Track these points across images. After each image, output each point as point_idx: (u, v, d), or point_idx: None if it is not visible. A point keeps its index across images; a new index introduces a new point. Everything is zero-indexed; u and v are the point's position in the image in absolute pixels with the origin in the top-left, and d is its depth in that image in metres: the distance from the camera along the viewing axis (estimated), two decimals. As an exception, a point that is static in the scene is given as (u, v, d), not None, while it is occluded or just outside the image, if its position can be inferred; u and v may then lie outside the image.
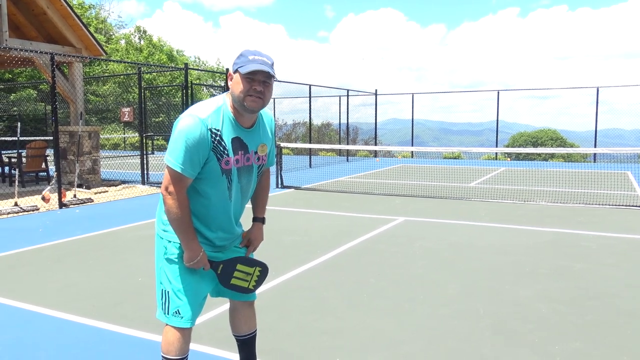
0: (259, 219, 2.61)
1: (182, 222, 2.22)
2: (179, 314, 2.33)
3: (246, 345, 2.69)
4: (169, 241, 2.34)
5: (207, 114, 2.21)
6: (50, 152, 11.99)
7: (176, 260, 2.33)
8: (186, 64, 12.59)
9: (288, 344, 3.35)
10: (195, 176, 2.23)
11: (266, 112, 2.47)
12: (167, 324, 2.38)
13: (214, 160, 2.22)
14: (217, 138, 2.21)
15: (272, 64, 2.25)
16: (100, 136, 12.50)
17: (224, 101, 2.29)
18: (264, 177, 2.61)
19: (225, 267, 2.36)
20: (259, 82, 2.20)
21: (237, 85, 2.21)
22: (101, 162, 12.41)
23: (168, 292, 2.34)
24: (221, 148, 2.23)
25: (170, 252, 2.34)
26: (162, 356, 2.38)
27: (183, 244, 2.26)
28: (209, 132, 2.18)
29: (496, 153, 20.03)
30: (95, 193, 10.33)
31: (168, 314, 2.35)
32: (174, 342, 2.35)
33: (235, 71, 2.23)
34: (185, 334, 2.38)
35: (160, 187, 10.06)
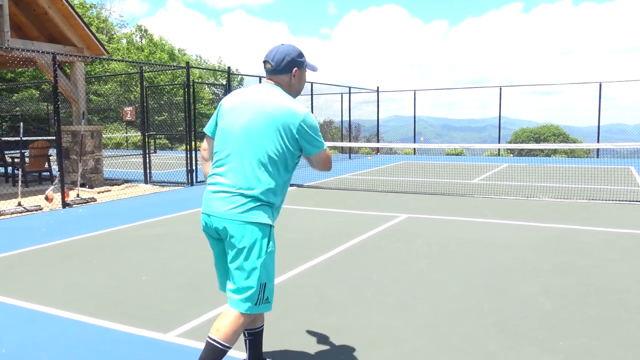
0: None
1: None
2: (269, 300, 2.54)
3: (255, 340, 2.79)
4: (272, 237, 2.53)
5: None
6: (53, 151, 12.00)
7: (274, 249, 2.56)
8: (188, 63, 12.59)
9: (292, 341, 3.34)
10: None
11: None
12: (243, 313, 2.49)
13: None
14: None
15: None
16: (103, 135, 12.51)
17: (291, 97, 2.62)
18: None
19: None
20: None
21: (304, 78, 2.68)
22: (104, 162, 12.42)
23: (266, 283, 2.52)
24: None
25: (272, 244, 2.53)
26: (222, 344, 2.47)
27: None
28: None
29: (499, 149, 19.98)
30: (98, 192, 10.35)
31: (260, 304, 2.51)
32: (239, 332, 2.51)
33: (302, 67, 2.63)
34: None
35: (160, 185, 9.91)
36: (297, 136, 2.49)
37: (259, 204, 2.46)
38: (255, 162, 2.45)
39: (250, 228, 2.44)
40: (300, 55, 2.60)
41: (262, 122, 2.46)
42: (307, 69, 2.68)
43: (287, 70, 2.56)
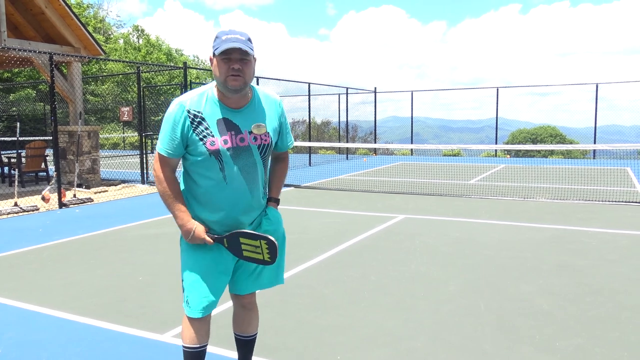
0: (272, 199, 2.58)
1: (169, 197, 2.35)
2: (188, 303, 2.42)
3: (240, 344, 2.72)
4: (181, 236, 2.45)
5: (189, 98, 2.31)
6: (49, 152, 11.98)
7: (186, 251, 2.44)
8: (185, 63, 12.58)
9: (289, 341, 3.35)
10: (179, 156, 2.34)
11: (269, 94, 2.46)
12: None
13: (197, 141, 2.27)
14: (197, 119, 2.27)
15: (248, 39, 2.25)
16: (100, 136, 12.48)
17: (210, 86, 2.37)
18: (283, 162, 2.61)
19: (230, 240, 2.35)
20: (236, 61, 2.22)
21: (216, 68, 2.25)
22: (101, 162, 12.39)
23: (183, 281, 2.45)
24: (202, 129, 2.27)
25: (182, 245, 2.47)
26: (182, 343, 2.52)
27: (176, 220, 2.37)
28: (187, 114, 2.27)
29: (496, 150, 20.02)
30: (95, 193, 10.33)
31: (185, 302, 2.46)
32: (185, 330, 2.48)
33: (213, 55, 2.28)
34: (195, 324, 2.44)
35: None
36: None
37: None
38: None
39: None
40: (214, 39, 2.27)
41: None
42: (216, 56, 2.25)
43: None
